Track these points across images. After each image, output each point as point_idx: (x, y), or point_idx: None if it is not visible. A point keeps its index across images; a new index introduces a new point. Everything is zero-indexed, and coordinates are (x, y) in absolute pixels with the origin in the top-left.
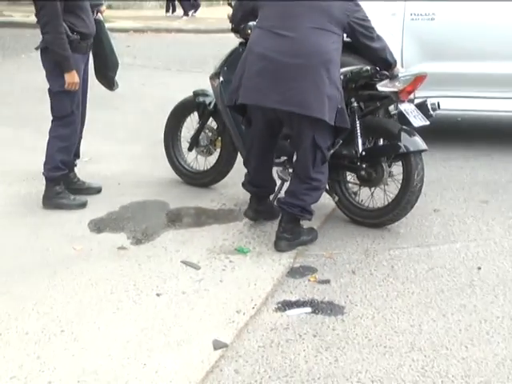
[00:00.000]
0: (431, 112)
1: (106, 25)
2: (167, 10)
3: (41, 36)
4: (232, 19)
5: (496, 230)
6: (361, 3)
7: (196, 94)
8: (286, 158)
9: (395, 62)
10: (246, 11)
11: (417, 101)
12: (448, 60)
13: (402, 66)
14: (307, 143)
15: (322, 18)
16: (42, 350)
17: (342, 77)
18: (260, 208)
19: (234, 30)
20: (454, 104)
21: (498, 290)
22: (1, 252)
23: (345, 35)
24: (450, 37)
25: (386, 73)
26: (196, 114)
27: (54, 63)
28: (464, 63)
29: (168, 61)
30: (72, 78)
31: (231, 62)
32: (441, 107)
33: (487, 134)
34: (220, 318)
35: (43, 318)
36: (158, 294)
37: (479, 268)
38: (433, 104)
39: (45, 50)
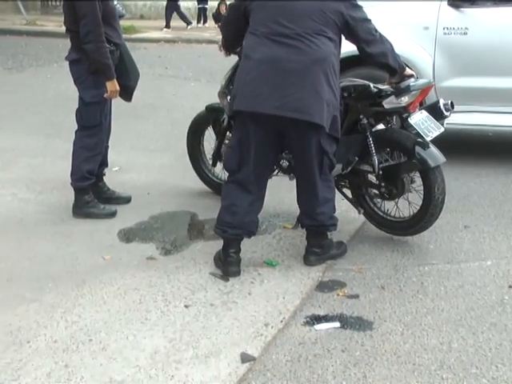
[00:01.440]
0: (445, 113)
1: (138, 35)
2: (198, 21)
3: (69, 46)
4: (224, 44)
5: None
6: (395, 15)
7: (210, 109)
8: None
9: (402, 67)
10: (237, 20)
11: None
12: (480, 75)
13: (434, 81)
14: (313, 150)
15: (316, 22)
16: (69, 359)
17: (345, 94)
18: (239, 256)
19: (232, 53)
20: (485, 119)
21: None
22: (31, 260)
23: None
24: (482, 52)
25: (390, 89)
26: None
27: (87, 74)
28: (496, 78)
29: (198, 72)
30: (114, 86)
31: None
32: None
33: None
34: (248, 330)
35: (72, 327)
36: (186, 306)
37: (510, 286)
38: (446, 104)
39: (76, 61)
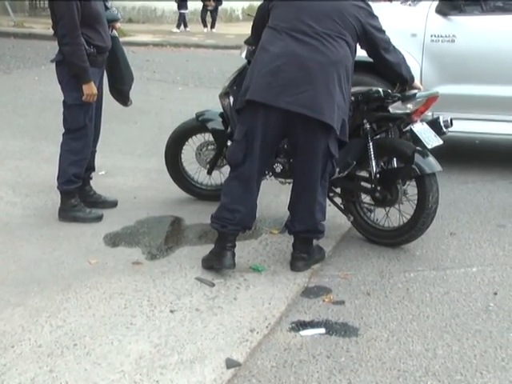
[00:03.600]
0: (444, 129)
1: (126, 38)
2: (178, 26)
3: (57, 48)
4: (251, 28)
5: None
6: (383, 21)
7: (202, 118)
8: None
9: (412, 78)
10: (264, 21)
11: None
12: (467, 83)
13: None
14: (319, 152)
15: (336, 23)
16: (54, 363)
17: (352, 98)
18: (235, 249)
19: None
20: (472, 126)
21: None
22: (16, 263)
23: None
24: (469, 59)
25: (397, 94)
26: (194, 136)
27: (69, 76)
28: (483, 86)
29: (186, 76)
30: (90, 90)
31: (240, 81)
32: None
33: (505, 158)
34: (233, 336)
35: (56, 331)
36: (171, 311)
37: (495, 293)
38: (445, 121)
39: (60, 63)
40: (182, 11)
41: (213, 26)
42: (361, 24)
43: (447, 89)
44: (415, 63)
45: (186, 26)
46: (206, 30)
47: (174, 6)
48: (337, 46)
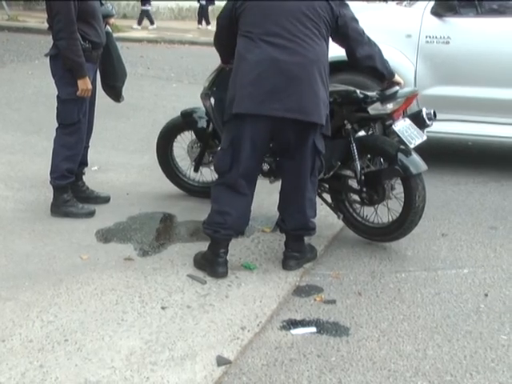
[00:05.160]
0: (428, 122)
1: (121, 34)
2: (139, 23)
3: (52, 42)
4: (223, 58)
5: (504, 256)
6: (378, 22)
7: (186, 115)
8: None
9: (390, 72)
10: (229, 25)
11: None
12: (461, 84)
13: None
14: (307, 149)
15: (309, 19)
16: (45, 359)
17: (331, 99)
18: (227, 255)
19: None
20: (465, 128)
21: (505, 318)
22: (8, 258)
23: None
24: (464, 61)
25: (376, 95)
26: (183, 133)
27: (63, 70)
28: (477, 88)
29: (180, 72)
30: (85, 85)
31: (220, 81)
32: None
33: (498, 160)
34: (224, 334)
35: (47, 326)
36: (163, 307)
37: (486, 295)
38: (428, 113)
39: (54, 57)
40: (145, 8)
41: (208, 23)
42: (332, 12)
43: (441, 90)
44: (410, 64)
45: (152, 22)
46: (200, 26)
47: (169, 2)
48: (313, 45)
